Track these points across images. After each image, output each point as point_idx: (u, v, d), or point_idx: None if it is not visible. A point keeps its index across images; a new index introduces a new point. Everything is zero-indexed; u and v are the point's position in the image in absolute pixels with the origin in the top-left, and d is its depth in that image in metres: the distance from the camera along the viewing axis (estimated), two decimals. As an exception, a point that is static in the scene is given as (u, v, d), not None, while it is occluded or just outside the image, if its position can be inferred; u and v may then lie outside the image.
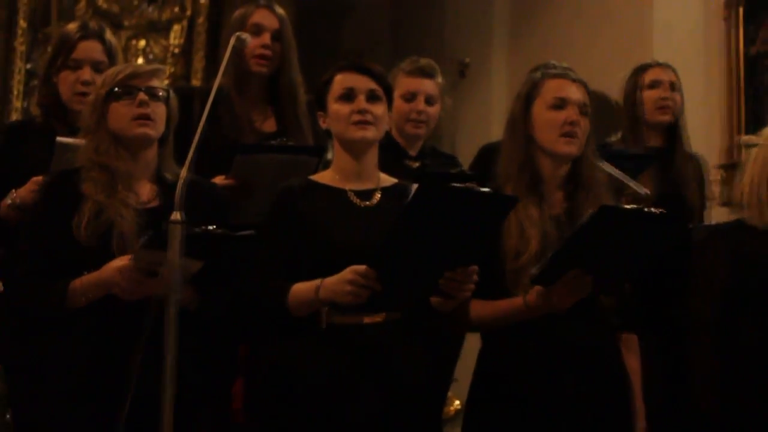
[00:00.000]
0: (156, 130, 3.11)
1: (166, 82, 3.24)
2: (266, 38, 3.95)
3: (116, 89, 3.08)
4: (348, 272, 2.82)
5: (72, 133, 3.66)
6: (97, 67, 3.76)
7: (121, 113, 3.07)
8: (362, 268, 2.81)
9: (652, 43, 7.44)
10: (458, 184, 2.82)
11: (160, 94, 3.12)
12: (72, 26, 3.94)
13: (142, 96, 3.07)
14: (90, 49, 3.80)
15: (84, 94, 3.69)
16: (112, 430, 2.76)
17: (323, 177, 3.15)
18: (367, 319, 2.95)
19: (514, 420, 3.01)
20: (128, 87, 3.08)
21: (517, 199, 2.96)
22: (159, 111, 3.11)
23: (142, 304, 2.82)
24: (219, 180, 3.54)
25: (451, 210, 2.73)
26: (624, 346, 3.19)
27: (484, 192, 2.79)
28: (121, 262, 2.89)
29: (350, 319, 2.93)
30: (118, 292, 2.89)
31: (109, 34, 3.90)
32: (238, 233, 2.83)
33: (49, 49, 3.92)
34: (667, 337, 3.71)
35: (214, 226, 2.78)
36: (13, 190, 3.60)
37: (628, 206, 2.99)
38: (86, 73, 3.75)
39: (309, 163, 3.58)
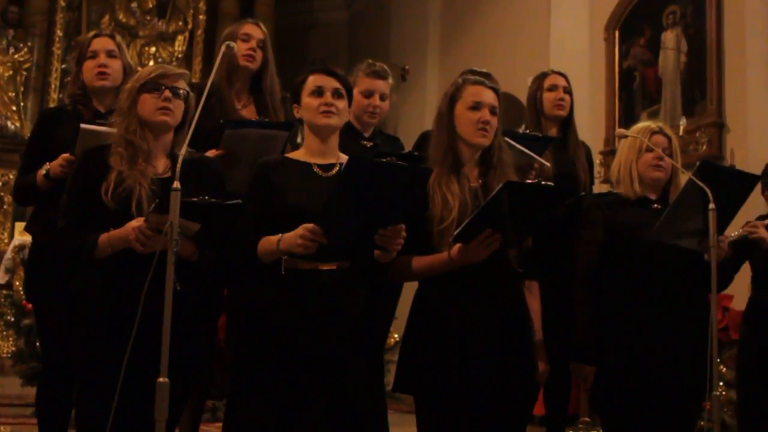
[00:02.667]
0: (173, 119, 3.07)
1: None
2: (253, 44, 3.96)
3: (148, 84, 3.05)
4: (300, 229, 2.82)
5: (95, 117, 3.62)
6: (111, 54, 3.80)
7: (148, 103, 3.03)
8: (311, 225, 2.80)
9: (550, 56, 7.48)
10: (381, 159, 2.83)
11: (181, 92, 3.08)
12: (90, 33, 4.00)
13: (166, 93, 3.03)
14: (103, 42, 3.81)
15: (102, 74, 3.75)
16: (122, 354, 2.69)
17: (295, 154, 3.13)
18: (322, 266, 2.91)
19: (442, 348, 2.97)
20: (157, 84, 3.04)
21: (430, 171, 2.98)
22: (178, 105, 3.07)
23: (153, 255, 2.73)
24: (212, 153, 3.49)
25: (376, 179, 2.74)
26: (527, 290, 3.16)
27: (401, 165, 2.82)
28: (136, 222, 2.85)
29: (309, 266, 2.90)
30: (134, 246, 2.85)
31: (117, 36, 3.93)
32: (226, 202, 2.81)
33: (76, 54, 3.88)
34: (558, 284, 3.72)
35: (207, 197, 2.76)
36: (47, 163, 3.57)
37: (527, 182, 2.98)
38: (101, 58, 3.77)
39: (280, 137, 3.59)
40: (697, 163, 3.31)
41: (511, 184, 2.85)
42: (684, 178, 3.51)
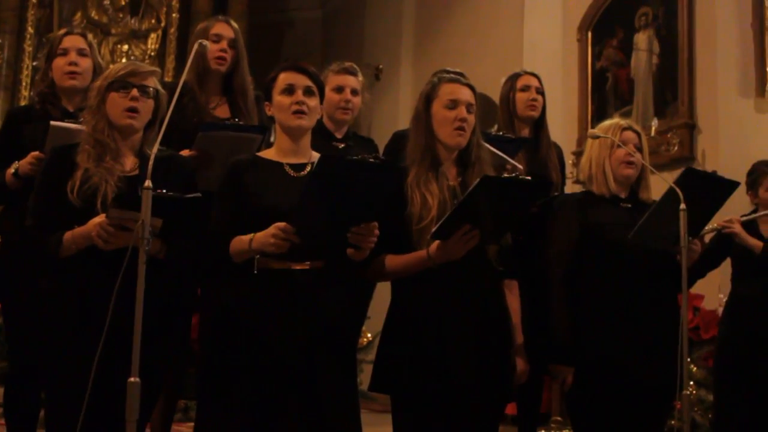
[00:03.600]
0: (141, 121, 3.03)
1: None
2: (224, 44, 3.91)
3: (116, 82, 3.00)
4: (272, 228, 2.79)
5: (64, 116, 3.59)
6: (81, 53, 3.79)
7: (116, 102, 2.99)
8: (283, 224, 2.78)
9: (523, 57, 7.50)
10: (353, 157, 2.79)
11: (150, 90, 3.03)
12: (61, 30, 3.97)
13: (134, 92, 2.99)
14: (74, 40, 3.80)
15: (72, 73, 3.74)
16: (92, 354, 2.67)
17: (266, 153, 3.10)
18: (295, 266, 2.89)
19: (420, 347, 2.97)
20: (125, 83, 3.00)
21: (405, 170, 2.99)
22: (146, 105, 3.02)
23: (120, 253, 2.71)
24: (185, 153, 3.47)
25: (348, 177, 2.73)
26: (507, 289, 3.16)
27: (373, 163, 2.82)
28: (98, 219, 2.82)
29: (282, 265, 2.88)
30: (97, 242, 2.81)
31: (88, 35, 3.92)
32: (185, 195, 2.78)
33: (46, 51, 3.85)
34: (534, 283, 3.73)
35: (166, 191, 2.73)
36: (16, 162, 3.55)
37: (504, 175, 2.98)
38: (72, 56, 3.75)
39: (254, 140, 3.56)
40: (674, 170, 3.34)
41: (488, 179, 2.84)
42: (654, 178, 3.55)
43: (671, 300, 3.45)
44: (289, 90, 3.01)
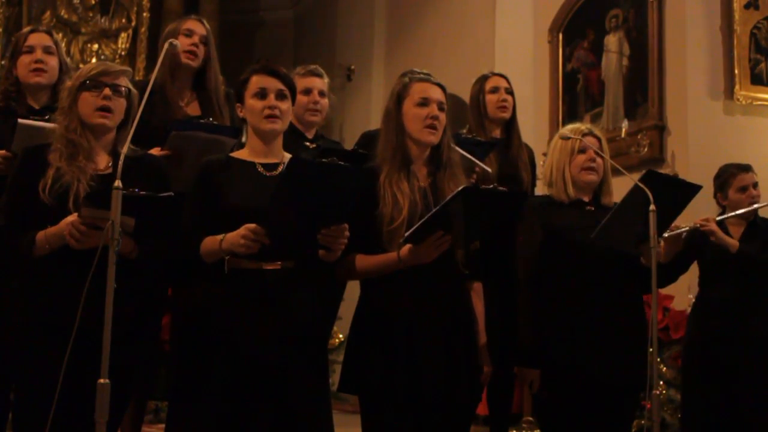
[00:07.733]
0: (113, 120, 3.02)
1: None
2: (195, 39, 3.94)
3: (88, 82, 2.98)
4: (242, 229, 2.79)
5: (29, 113, 3.56)
6: (47, 50, 3.74)
7: (88, 102, 2.97)
8: (253, 225, 2.77)
9: (494, 58, 7.52)
10: (323, 160, 2.82)
11: (122, 89, 3.02)
12: (26, 28, 3.93)
13: (106, 91, 2.97)
14: (39, 37, 3.76)
15: (37, 70, 3.69)
16: (61, 355, 2.64)
17: (239, 154, 3.09)
18: (266, 266, 2.89)
19: (388, 348, 2.98)
20: (97, 81, 2.98)
21: (374, 171, 2.99)
22: (119, 104, 3.01)
23: (91, 252, 2.68)
24: (155, 151, 3.45)
25: (318, 179, 2.73)
26: (473, 291, 3.18)
27: (343, 166, 2.81)
28: (71, 218, 2.79)
29: (253, 265, 2.88)
30: (70, 242, 2.79)
31: (54, 33, 3.88)
32: (159, 194, 2.76)
33: (11, 48, 3.82)
34: (500, 286, 3.74)
35: (139, 189, 2.70)
36: None
37: (484, 187, 2.99)
38: (38, 54, 3.71)
39: (227, 143, 3.54)
40: (643, 172, 3.35)
41: (468, 190, 2.84)
42: (616, 181, 3.56)
43: (636, 300, 3.47)
44: (262, 94, 2.99)
